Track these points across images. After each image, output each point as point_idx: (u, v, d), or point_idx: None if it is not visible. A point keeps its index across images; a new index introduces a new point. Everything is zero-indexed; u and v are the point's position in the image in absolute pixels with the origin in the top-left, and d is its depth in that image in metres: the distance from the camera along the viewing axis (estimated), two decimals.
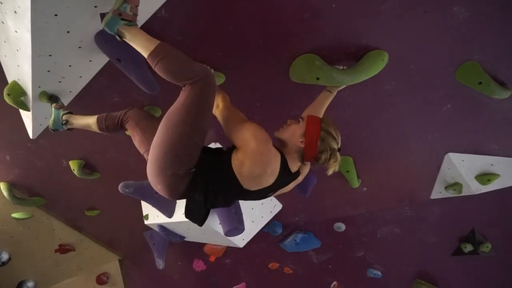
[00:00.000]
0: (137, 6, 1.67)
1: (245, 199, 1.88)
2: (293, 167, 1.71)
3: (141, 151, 1.92)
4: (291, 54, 2.18)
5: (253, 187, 1.65)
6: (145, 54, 1.63)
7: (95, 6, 1.77)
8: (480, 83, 2.21)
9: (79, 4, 1.70)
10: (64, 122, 2.23)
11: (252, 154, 1.58)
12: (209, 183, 1.66)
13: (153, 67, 1.62)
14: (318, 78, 2.13)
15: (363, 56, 2.15)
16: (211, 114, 1.67)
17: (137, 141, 1.95)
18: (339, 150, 1.70)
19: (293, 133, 1.71)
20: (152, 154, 1.62)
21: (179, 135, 1.55)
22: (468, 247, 3.53)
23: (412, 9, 1.94)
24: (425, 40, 2.11)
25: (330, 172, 1.69)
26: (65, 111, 2.23)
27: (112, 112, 2.08)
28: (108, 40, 1.96)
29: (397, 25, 2.02)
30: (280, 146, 1.73)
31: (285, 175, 1.69)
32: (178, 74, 1.59)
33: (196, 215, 1.79)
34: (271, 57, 2.23)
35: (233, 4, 1.95)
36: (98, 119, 2.09)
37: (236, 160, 1.63)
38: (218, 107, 1.87)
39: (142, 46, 1.64)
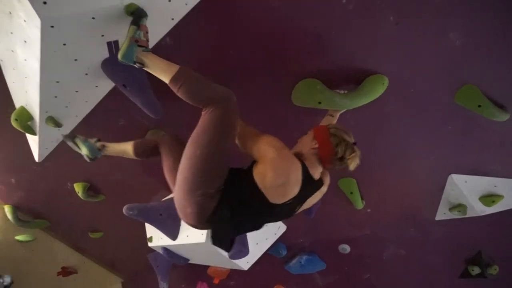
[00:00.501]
0: (147, 32, 1.72)
1: (273, 218, 1.82)
2: (315, 174, 1.72)
3: (169, 178, 1.91)
4: (293, 79, 2.23)
5: (279, 199, 1.63)
6: (166, 79, 1.66)
7: (102, 35, 1.83)
8: (479, 106, 2.24)
9: (86, 33, 1.77)
10: (100, 148, 2.21)
11: (273, 163, 1.60)
12: (236, 201, 1.63)
13: (175, 91, 1.64)
14: (320, 102, 2.17)
15: (363, 80, 2.19)
16: (235, 133, 1.69)
17: (166, 168, 1.95)
18: (354, 144, 1.72)
19: (305, 142, 1.77)
20: (181, 177, 1.64)
21: (207, 156, 1.57)
22: (476, 270, 3.48)
23: (410, 36, 2.00)
24: (423, 65, 2.15)
25: (352, 166, 1.68)
26: (94, 139, 2.22)
27: (148, 138, 2.14)
28: (114, 67, 2.02)
29: (396, 51, 2.07)
30: (298, 157, 1.72)
31: (309, 183, 1.69)
32: (201, 96, 1.63)
33: (223, 238, 1.73)
34: (273, 82, 2.28)
35: (236, 31, 2.02)
36: (135, 145, 2.13)
37: (258, 174, 1.63)
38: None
39: (162, 71, 1.67)
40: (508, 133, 2.50)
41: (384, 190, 3.14)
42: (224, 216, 1.65)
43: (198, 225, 1.73)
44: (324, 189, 1.87)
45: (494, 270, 3.42)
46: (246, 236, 2.78)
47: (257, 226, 1.84)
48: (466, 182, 2.90)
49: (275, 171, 1.60)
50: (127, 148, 2.17)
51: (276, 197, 1.63)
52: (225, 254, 2.79)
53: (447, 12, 1.89)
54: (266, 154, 1.63)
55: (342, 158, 1.68)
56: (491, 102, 2.26)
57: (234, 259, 2.77)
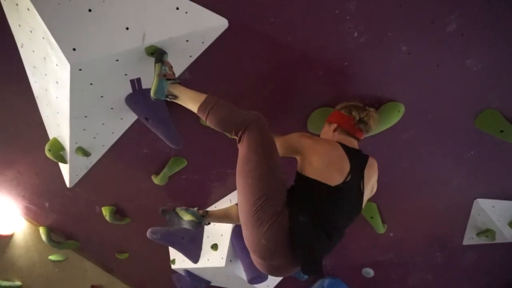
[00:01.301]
0: (171, 66, 1.84)
1: (350, 205, 1.70)
2: (352, 145, 1.85)
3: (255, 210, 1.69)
4: (308, 108, 2.27)
5: (338, 178, 1.64)
6: (195, 108, 1.72)
7: (125, 74, 1.96)
8: (501, 131, 2.18)
9: (111, 73, 1.90)
10: (203, 215, 2.37)
11: (311, 149, 1.73)
12: (304, 204, 1.59)
13: (204, 119, 1.69)
14: None
15: (378, 108, 2.20)
16: (275, 147, 1.66)
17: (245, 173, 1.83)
18: (365, 106, 1.91)
19: (326, 132, 1.98)
20: (244, 213, 1.57)
21: (260, 178, 1.53)
22: None
23: (424, 64, 2.00)
24: (441, 91, 2.14)
25: (372, 122, 1.88)
26: (195, 208, 2.41)
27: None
28: (137, 102, 2.15)
29: (410, 78, 2.07)
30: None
31: (353, 153, 1.78)
32: (230, 122, 1.63)
33: (314, 255, 1.56)
34: (289, 110, 2.33)
35: (251, 66, 2.10)
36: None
37: (306, 167, 1.70)
38: None
39: (191, 100, 1.75)
40: None
41: (407, 214, 3.07)
42: (303, 223, 1.53)
43: (280, 253, 1.54)
44: (375, 164, 1.94)
45: None
46: None
47: (344, 221, 1.71)
48: (493, 206, 2.80)
49: (317, 153, 1.70)
50: (230, 209, 2.30)
51: (334, 177, 1.64)
52: (245, 278, 2.81)
53: (460, 40, 1.89)
54: (302, 146, 1.77)
55: (360, 120, 1.87)
56: None
57: (253, 283, 2.79)
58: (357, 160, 1.78)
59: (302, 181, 1.70)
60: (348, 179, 1.67)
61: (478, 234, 3.01)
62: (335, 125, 1.90)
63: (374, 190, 1.98)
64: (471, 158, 2.48)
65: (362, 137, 1.97)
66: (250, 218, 1.55)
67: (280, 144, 1.87)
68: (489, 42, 1.89)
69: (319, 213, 1.60)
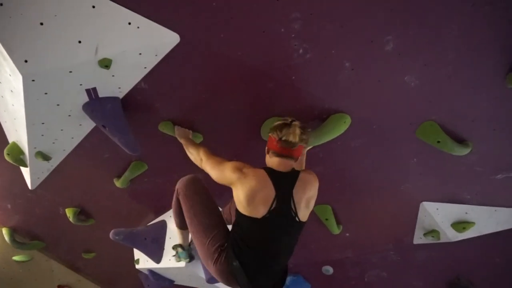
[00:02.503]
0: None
1: (282, 233, 1.90)
2: (281, 168, 1.90)
3: (205, 249, 2.10)
4: (261, 117, 2.39)
5: (262, 210, 1.82)
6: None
7: (80, 84, 2.02)
8: (438, 142, 2.36)
9: (66, 84, 1.96)
10: (183, 249, 2.76)
11: (239, 183, 1.84)
12: (237, 243, 1.90)
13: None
14: None
15: (326, 119, 2.34)
16: (204, 193, 2.19)
17: (191, 227, 2.21)
18: (292, 121, 1.89)
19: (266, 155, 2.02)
20: (199, 246, 2.08)
21: (200, 215, 2.10)
22: None
23: (366, 79, 2.14)
24: (383, 104, 2.29)
25: (292, 138, 1.84)
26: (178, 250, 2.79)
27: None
28: (94, 110, 2.20)
29: (355, 92, 2.22)
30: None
31: (280, 177, 1.87)
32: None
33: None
34: (243, 119, 2.44)
35: (205, 77, 2.19)
36: (176, 224, 2.62)
37: (237, 202, 1.88)
38: (202, 161, 2.13)
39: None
40: (472, 164, 2.61)
41: (360, 216, 3.25)
42: (236, 268, 1.88)
43: (231, 283, 1.99)
44: (309, 177, 1.99)
45: None
46: None
47: (282, 243, 1.92)
48: (437, 209, 3.01)
49: (243, 189, 1.81)
50: (179, 233, 2.71)
51: (259, 209, 1.82)
52: (204, 277, 2.92)
53: (399, 59, 2.04)
54: (232, 181, 1.88)
55: (280, 139, 1.86)
56: (450, 138, 2.38)
57: (210, 283, 2.90)
58: (285, 182, 1.88)
59: (237, 215, 1.92)
60: (273, 206, 1.82)
61: (425, 234, 3.22)
62: (267, 148, 1.96)
63: (312, 202, 2.03)
64: (414, 165, 2.66)
65: (297, 154, 1.94)
66: (204, 251, 2.03)
67: (219, 171, 1.98)
68: (423, 61, 2.05)
69: (252, 247, 1.89)
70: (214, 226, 2.04)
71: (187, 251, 2.72)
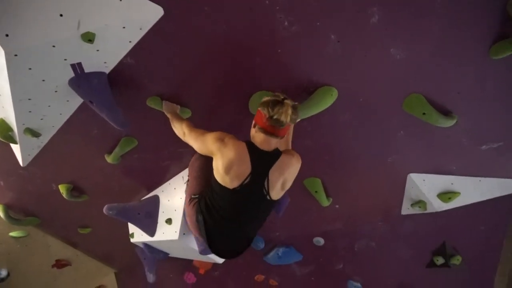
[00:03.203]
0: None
1: (251, 206, 1.98)
2: (264, 146, 1.90)
3: (187, 198, 2.28)
4: (248, 91, 2.39)
5: (235, 182, 1.88)
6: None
7: (65, 59, 2.00)
8: (424, 113, 2.39)
9: (49, 59, 1.94)
10: None
11: (219, 153, 1.88)
12: (206, 205, 2.02)
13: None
14: None
15: (314, 92, 2.35)
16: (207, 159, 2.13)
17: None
18: (283, 99, 1.81)
19: (251, 130, 1.98)
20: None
21: (195, 176, 2.30)
22: (440, 260, 3.67)
23: (353, 52, 2.15)
24: (369, 77, 2.30)
25: (284, 118, 1.77)
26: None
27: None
28: (80, 85, 2.19)
29: (342, 65, 2.22)
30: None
31: (260, 154, 1.89)
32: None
33: (211, 246, 2.09)
34: (231, 93, 2.44)
35: (190, 52, 2.17)
36: None
37: (215, 170, 1.93)
38: (185, 134, 2.16)
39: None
40: (457, 136, 2.65)
41: (349, 188, 3.32)
42: (198, 220, 2.02)
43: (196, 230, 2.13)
44: (290, 159, 1.97)
45: (457, 260, 3.62)
46: None
47: (250, 213, 2.01)
48: (424, 180, 3.07)
49: (222, 158, 1.86)
50: None
51: (232, 181, 1.88)
52: (197, 249, 3.00)
53: (384, 31, 2.03)
54: (213, 149, 1.92)
55: (271, 118, 1.79)
56: (436, 110, 2.41)
57: (203, 254, 2.99)
58: (264, 161, 1.91)
59: (213, 179, 1.99)
60: (246, 182, 1.88)
61: (412, 205, 3.30)
62: (254, 122, 1.92)
63: (288, 183, 2.02)
64: (401, 137, 2.70)
65: (283, 133, 1.90)
66: (187, 193, 2.24)
67: (201, 142, 2.02)
68: (408, 34, 2.05)
69: (219, 211, 1.98)
70: (199, 179, 2.21)
71: None
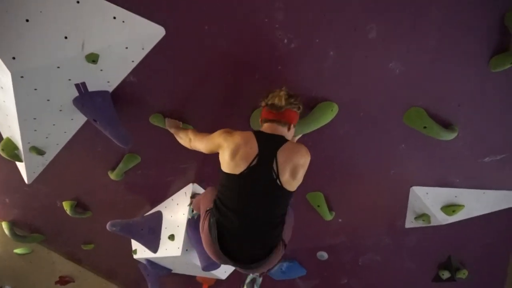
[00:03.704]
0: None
1: (253, 188, 1.80)
2: (268, 130, 1.89)
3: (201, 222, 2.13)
4: (249, 107, 2.42)
5: (241, 165, 1.77)
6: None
7: (69, 79, 2.05)
8: (425, 127, 2.40)
9: (54, 79, 1.99)
10: (193, 211, 3.05)
11: (225, 142, 1.86)
12: (218, 198, 1.91)
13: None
14: None
15: (314, 107, 2.37)
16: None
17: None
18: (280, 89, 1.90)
19: None
20: None
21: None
22: (446, 274, 3.63)
23: (352, 67, 2.17)
24: (369, 91, 2.33)
25: (277, 100, 1.85)
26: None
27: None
28: (84, 104, 2.23)
29: (341, 80, 2.25)
30: None
31: (265, 137, 1.85)
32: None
33: (225, 250, 1.84)
34: (232, 110, 2.48)
35: (192, 69, 2.22)
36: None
37: (221, 162, 1.88)
38: (191, 140, 2.18)
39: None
40: (459, 148, 2.65)
41: (352, 202, 3.31)
42: (211, 224, 1.85)
43: (212, 249, 1.90)
44: (298, 146, 1.88)
45: (463, 274, 3.57)
46: None
47: (258, 202, 1.81)
48: (427, 193, 3.06)
49: (228, 146, 1.83)
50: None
51: (239, 165, 1.78)
52: (200, 265, 2.99)
53: (383, 46, 2.06)
54: (219, 142, 1.91)
55: (267, 104, 1.91)
56: (436, 123, 2.42)
57: (206, 270, 2.97)
58: (270, 143, 1.83)
59: (220, 175, 1.91)
60: (253, 163, 1.78)
61: (416, 218, 3.28)
62: (260, 118, 1.98)
63: (300, 173, 1.86)
64: (403, 150, 2.70)
65: (287, 119, 1.88)
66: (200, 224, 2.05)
67: (207, 141, 2.03)
68: (406, 48, 2.08)
69: (227, 204, 1.85)
70: (210, 195, 2.10)
71: (193, 213, 3.06)
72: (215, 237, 1.84)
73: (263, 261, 1.86)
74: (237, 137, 1.85)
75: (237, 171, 1.79)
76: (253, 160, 1.78)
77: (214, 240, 1.84)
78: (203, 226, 1.94)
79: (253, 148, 1.80)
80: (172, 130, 2.42)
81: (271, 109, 1.88)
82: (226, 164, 1.84)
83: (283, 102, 1.85)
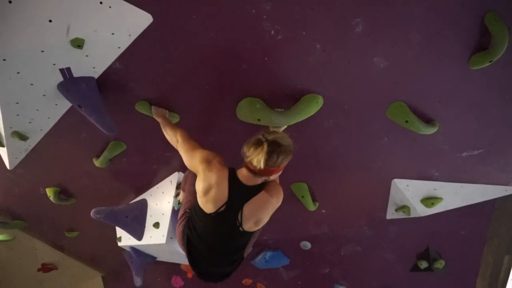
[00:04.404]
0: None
1: (217, 230, 1.94)
2: (245, 180, 1.87)
3: (180, 213, 2.33)
4: (236, 97, 2.43)
5: (210, 208, 1.89)
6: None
7: (54, 64, 2.02)
8: (406, 121, 2.46)
9: (38, 63, 1.96)
10: (179, 202, 3.02)
11: (202, 174, 1.90)
12: (190, 217, 2.09)
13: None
14: (259, 119, 2.38)
15: (300, 99, 2.40)
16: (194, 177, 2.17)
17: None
18: (264, 141, 1.71)
19: None
20: None
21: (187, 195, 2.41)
22: (424, 264, 3.75)
23: (337, 60, 2.20)
24: (354, 85, 2.36)
25: (255, 162, 1.71)
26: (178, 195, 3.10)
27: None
28: (69, 89, 2.21)
29: (327, 73, 2.28)
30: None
31: (238, 186, 1.86)
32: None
33: (192, 263, 2.10)
34: (218, 99, 2.48)
35: (179, 57, 2.21)
36: (182, 188, 2.82)
37: (196, 189, 1.94)
38: (178, 142, 2.18)
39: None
40: (439, 143, 2.73)
41: (336, 193, 3.37)
42: (184, 236, 2.08)
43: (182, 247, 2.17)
44: (268, 199, 1.91)
45: (440, 264, 3.70)
46: None
47: (221, 241, 1.98)
48: (408, 186, 3.15)
49: (203, 181, 1.88)
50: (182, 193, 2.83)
51: (208, 206, 1.89)
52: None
53: (368, 41, 2.10)
54: (198, 168, 1.95)
55: (246, 160, 1.76)
56: (418, 118, 2.48)
57: None
58: (241, 194, 1.88)
59: (195, 200, 2.02)
60: (221, 209, 1.89)
61: (396, 210, 3.37)
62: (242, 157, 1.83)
63: (263, 221, 1.99)
64: (385, 143, 2.76)
65: (269, 174, 1.80)
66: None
67: (189, 158, 2.05)
68: (391, 43, 2.12)
69: (197, 232, 2.03)
70: (193, 195, 2.11)
71: (179, 204, 3.00)
72: (186, 251, 2.10)
73: (220, 278, 2.16)
74: (213, 176, 1.88)
75: (207, 210, 1.93)
76: (221, 207, 1.90)
77: (185, 248, 2.11)
78: (179, 224, 2.17)
79: (224, 193, 1.89)
80: (159, 119, 2.42)
81: (250, 165, 1.78)
82: (199, 196, 1.94)
83: (262, 165, 1.71)
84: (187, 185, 2.39)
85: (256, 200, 1.91)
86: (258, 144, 1.73)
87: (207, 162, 1.93)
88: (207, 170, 1.90)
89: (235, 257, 2.10)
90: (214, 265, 2.10)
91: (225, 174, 1.89)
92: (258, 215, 1.93)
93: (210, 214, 1.91)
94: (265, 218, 1.99)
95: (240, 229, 1.92)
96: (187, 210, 2.20)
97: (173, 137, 2.24)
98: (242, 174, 1.89)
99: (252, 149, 1.74)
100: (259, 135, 1.78)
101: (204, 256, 2.05)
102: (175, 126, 2.34)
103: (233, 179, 1.89)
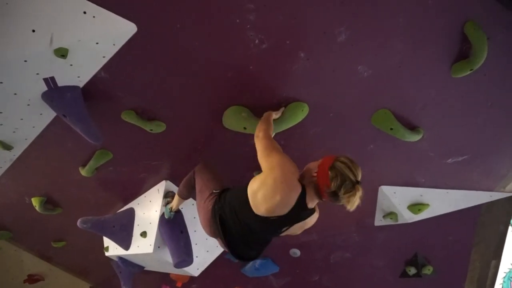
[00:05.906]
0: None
1: (259, 231, 1.93)
2: (309, 202, 1.80)
3: (204, 195, 2.23)
4: (222, 105, 2.44)
5: (262, 211, 1.76)
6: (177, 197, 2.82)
7: (37, 73, 2.01)
8: (391, 129, 2.49)
9: (21, 73, 1.96)
10: (170, 211, 2.98)
11: (275, 180, 1.73)
12: (227, 203, 2.01)
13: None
14: (245, 128, 2.39)
15: (286, 107, 2.42)
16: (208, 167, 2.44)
17: (199, 187, 2.35)
18: (357, 182, 1.68)
19: (310, 167, 1.86)
20: (197, 193, 2.35)
21: (205, 183, 2.34)
22: (412, 270, 3.77)
23: (322, 69, 2.23)
24: (338, 93, 2.40)
25: (349, 206, 1.68)
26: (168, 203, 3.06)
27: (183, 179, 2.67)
28: (53, 99, 2.20)
29: (311, 81, 2.30)
30: (302, 180, 1.83)
31: (301, 208, 1.79)
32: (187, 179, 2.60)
33: (225, 239, 2.02)
34: (204, 107, 2.49)
35: (163, 67, 2.22)
36: (178, 193, 2.80)
37: (250, 185, 1.84)
38: (258, 137, 2.05)
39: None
40: (424, 149, 2.76)
41: None
42: (215, 210, 2.03)
43: (209, 227, 2.13)
44: (314, 219, 2.01)
45: (428, 270, 3.72)
46: (191, 245, 3.00)
47: (253, 238, 1.99)
48: (395, 192, 3.17)
49: (273, 188, 1.72)
50: (176, 199, 2.87)
51: (261, 209, 1.77)
52: (172, 262, 2.99)
53: (352, 49, 2.13)
54: (274, 171, 1.77)
55: (335, 193, 1.67)
56: (402, 125, 2.52)
57: (179, 267, 2.98)
58: (299, 216, 1.87)
59: (244, 191, 1.89)
60: (273, 218, 1.79)
61: (384, 216, 3.39)
62: (315, 175, 1.78)
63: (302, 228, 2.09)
64: (371, 150, 2.79)
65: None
66: (198, 194, 2.30)
67: (265, 160, 1.91)
68: (374, 52, 2.15)
69: (231, 218, 1.98)
70: (217, 180, 2.29)
71: (170, 213, 2.97)
72: (219, 229, 2.01)
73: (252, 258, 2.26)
74: (284, 192, 1.73)
75: (256, 211, 1.81)
76: (274, 216, 1.79)
77: (216, 227, 2.03)
78: (206, 203, 2.13)
79: (284, 210, 1.76)
80: (263, 125, 2.15)
81: (331, 197, 1.71)
82: (253, 194, 1.81)
83: (352, 208, 1.72)
84: (204, 175, 2.38)
85: (307, 221, 1.98)
86: (352, 185, 1.68)
87: (286, 172, 1.77)
88: (280, 182, 1.73)
89: (265, 245, 2.16)
90: (244, 248, 2.09)
91: (297, 193, 1.75)
92: (297, 232, 2.11)
93: (259, 215, 1.81)
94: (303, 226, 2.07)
95: (278, 234, 2.02)
96: (214, 191, 2.16)
97: (257, 132, 2.09)
98: (312, 199, 1.82)
99: (346, 189, 1.68)
100: (348, 173, 1.71)
101: (237, 236, 2.00)
102: (267, 128, 2.13)
103: (300, 199, 1.77)
